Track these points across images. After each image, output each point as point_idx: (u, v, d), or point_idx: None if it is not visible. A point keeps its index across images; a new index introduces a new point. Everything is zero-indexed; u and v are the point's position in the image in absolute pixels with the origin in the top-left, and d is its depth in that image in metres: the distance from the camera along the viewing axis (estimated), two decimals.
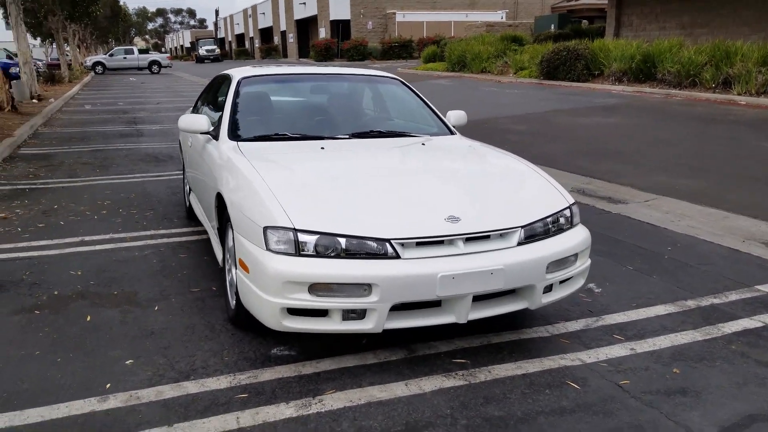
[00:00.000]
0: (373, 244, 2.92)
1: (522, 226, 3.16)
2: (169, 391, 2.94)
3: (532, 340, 3.51)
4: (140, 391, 2.94)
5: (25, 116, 14.75)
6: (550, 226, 3.29)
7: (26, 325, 3.67)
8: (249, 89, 4.58)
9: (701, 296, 4.13)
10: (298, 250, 2.90)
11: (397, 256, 2.91)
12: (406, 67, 31.32)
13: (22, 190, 7.45)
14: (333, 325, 2.95)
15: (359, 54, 41.78)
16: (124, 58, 42.86)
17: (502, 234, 3.13)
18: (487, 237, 3.10)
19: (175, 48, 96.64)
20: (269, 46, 59.65)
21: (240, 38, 74.34)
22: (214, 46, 58.87)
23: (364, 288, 2.86)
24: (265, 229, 2.96)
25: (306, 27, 55.63)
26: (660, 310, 3.93)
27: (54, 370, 3.15)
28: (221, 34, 77.22)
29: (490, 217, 3.16)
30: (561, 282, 3.35)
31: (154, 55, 44.81)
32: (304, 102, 4.89)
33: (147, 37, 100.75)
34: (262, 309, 2.98)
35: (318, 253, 2.90)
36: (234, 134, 4.15)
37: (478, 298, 3.14)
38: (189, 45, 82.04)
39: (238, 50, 65.90)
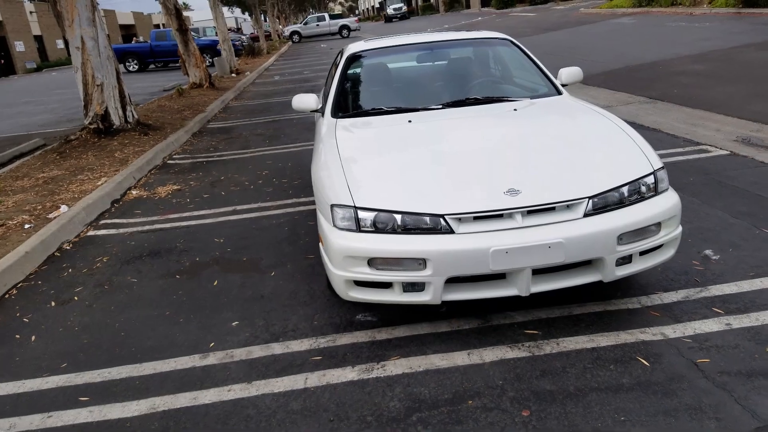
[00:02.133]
0: (428, 220, 3.01)
1: (590, 197, 3.04)
2: (258, 351, 3.34)
3: (617, 311, 3.38)
4: (235, 350, 3.38)
5: (220, 91, 16.42)
6: (627, 194, 3.12)
7: (167, 288, 4.32)
8: (355, 65, 4.79)
9: None
10: (359, 226, 3.09)
11: (451, 231, 2.98)
12: (589, 6, 29.37)
13: (200, 163, 8.47)
14: (394, 296, 3.11)
15: None
16: (317, 25, 45.49)
17: (569, 205, 3.04)
18: (552, 209, 3.04)
19: (367, 9, 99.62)
20: None
21: None
22: (401, 4, 59.65)
23: (419, 262, 2.98)
24: (332, 206, 3.19)
25: None
26: None
27: (175, 329, 3.71)
28: None
29: (554, 187, 3.07)
30: (643, 253, 3.17)
31: (344, 20, 46.80)
32: (408, 73, 4.99)
33: (342, 0, 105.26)
34: (333, 280, 3.24)
35: (377, 229, 3.07)
36: (335, 111, 4.41)
37: (545, 271, 3.11)
38: (378, 5, 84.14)
39: (424, 5, 66.15)
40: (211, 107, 13.34)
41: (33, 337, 3.79)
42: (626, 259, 3.13)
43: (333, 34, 44.01)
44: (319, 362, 3.17)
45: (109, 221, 6.12)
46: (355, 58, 4.86)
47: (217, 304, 3.98)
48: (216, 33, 33.12)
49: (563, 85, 4.61)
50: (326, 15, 48.43)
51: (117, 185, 7.12)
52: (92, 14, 9.74)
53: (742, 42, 13.19)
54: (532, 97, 4.37)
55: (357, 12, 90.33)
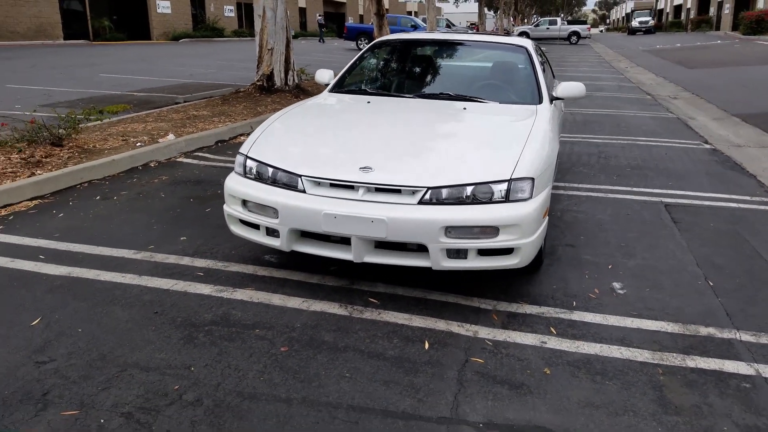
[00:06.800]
0: (289, 177, 3.49)
1: (430, 187, 3.27)
2: (171, 259, 4.07)
3: (466, 306, 3.51)
4: (158, 254, 4.14)
5: None
6: (469, 192, 3.28)
7: (174, 205, 5.23)
8: (374, 53, 5.26)
9: (739, 329, 3.35)
10: (245, 172, 3.67)
11: (303, 191, 3.43)
12: None
13: None
14: (259, 237, 3.63)
15: None
16: (547, 28, 45.51)
17: (414, 191, 3.31)
18: (398, 191, 3.33)
19: (617, 19, 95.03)
20: (701, 18, 54.36)
21: (677, 9, 69.03)
22: (648, 18, 56.08)
23: (273, 211, 3.48)
24: (238, 153, 3.80)
25: None
26: (654, 325, 3.38)
27: (146, 232, 4.57)
28: (661, 5, 72.90)
29: (403, 173, 3.35)
30: (483, 252, 3.31)
31: (576, 26, 45.86)
32: (413, 64, 5.31)
33: (595, 8, 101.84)
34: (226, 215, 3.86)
35: (256, 178, 3.62)
36: (334, 87, 4.96)
37: (385, 246, 3.41)
38: (624, 16, 79.88)
39: (672, 22, 61.61)
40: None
41: (61, 215, 4.94)
42: (461, 254, 3.30)
43: (562, 39, 43.22)
44: (196, 276, 3.82)
45: (201, 154, 7.30)
46: (376, 47, 5.32)
47: (190, 223, 4.79)
48: (446, 25, 34.48)
49: (557, 98, 4.64)
50: (558, 19, 47.68)
51: (230, 129, 8.33)
52: None
53: None
54: (502, 102, 4.50)
55: (607, 21, 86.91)
